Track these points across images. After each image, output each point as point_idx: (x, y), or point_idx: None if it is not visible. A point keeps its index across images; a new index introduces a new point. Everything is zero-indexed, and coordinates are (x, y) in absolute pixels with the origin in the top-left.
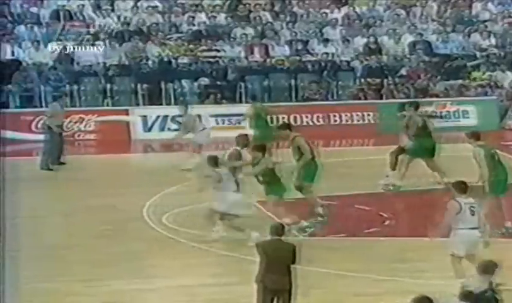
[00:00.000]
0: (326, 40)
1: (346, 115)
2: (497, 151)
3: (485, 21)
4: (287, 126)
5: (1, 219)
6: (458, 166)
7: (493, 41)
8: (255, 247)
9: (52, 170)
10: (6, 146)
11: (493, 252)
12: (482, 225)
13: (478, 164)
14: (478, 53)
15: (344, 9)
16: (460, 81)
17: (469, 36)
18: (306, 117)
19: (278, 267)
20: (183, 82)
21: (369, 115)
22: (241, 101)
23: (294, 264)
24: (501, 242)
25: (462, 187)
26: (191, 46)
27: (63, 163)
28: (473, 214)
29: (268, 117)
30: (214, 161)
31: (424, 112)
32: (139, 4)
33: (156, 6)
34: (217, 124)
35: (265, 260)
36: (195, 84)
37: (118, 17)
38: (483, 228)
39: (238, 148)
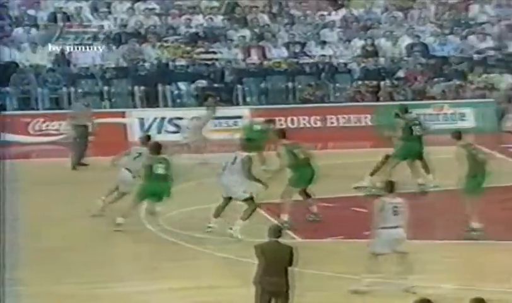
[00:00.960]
0: (324, 42)
1: (343, 118)
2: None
3: (483, 23)
4: (278, 133)
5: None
6: (453, 168)
7: (490, 43)
8: (254, 249)
9: (76, 169)
10: (5, 148)
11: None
12: (405, 225)
13: (461, 163)
14: (475, 56)
15: (341, 11)
16: (457, 83)
17: (466, 38)
18: (303, 119)
19: (276, 269)
20: (180, 84)
21: (366, 117)
22: (238, 104)
23: (292, 266)
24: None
25: (389, 187)
26: (188, 48)
27: (85, 164)
28: (395, 214)
29: (260, 126)
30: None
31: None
32: (135, 6)
33: (153, 8)
34: (215, 126)
35: (264, 262)
36: (192, 86)
37: (115, 20)
38: (406, 227)
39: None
